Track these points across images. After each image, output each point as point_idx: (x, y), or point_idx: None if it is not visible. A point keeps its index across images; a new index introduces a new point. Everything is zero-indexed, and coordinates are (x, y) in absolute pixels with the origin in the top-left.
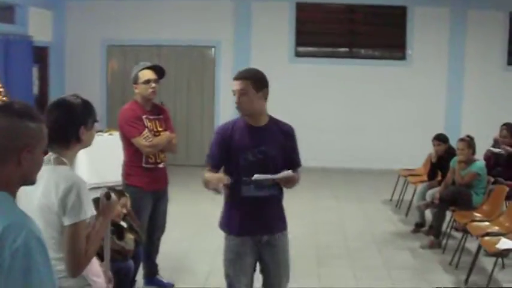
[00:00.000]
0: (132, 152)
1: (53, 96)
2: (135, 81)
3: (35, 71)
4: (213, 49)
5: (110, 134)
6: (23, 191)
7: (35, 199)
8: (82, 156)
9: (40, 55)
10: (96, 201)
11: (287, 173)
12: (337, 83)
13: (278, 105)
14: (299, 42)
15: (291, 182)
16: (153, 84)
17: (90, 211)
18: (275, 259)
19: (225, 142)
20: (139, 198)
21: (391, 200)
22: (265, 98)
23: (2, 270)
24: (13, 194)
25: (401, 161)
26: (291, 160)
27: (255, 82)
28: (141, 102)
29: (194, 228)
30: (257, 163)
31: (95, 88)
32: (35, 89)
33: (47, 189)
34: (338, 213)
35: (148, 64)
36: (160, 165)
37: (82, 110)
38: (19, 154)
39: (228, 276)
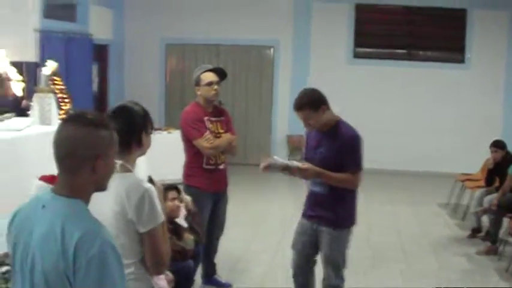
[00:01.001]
0: (193, 154)
1: (112, 94)
2: (197, 83)
3: (94, 69)
4: (271, 49)
5: (169, 133)
6: (94, 198)
7: (107, 207)
8: None
9: (100, 53)
10: None
11: (292, 162)
12: (395, 85)
13: (335, 106)
14: (358, 44)
15: (303, 175)
16: (215, 87)
17: (162, 213)
18: (322, 249)
19: (306, 141)
20: (199, 199)
21: (447, 204)
22: (328, 108)
23: (78, 277)
24: (87, 201)
25: (457, 165)
26: (345, 163)
27: (310, 107)
28: (202, 104)
29: (252, 229)
30: (315, 161)
31: (153, 86)
32: (95, 87)
33: (119, 198)
34: (394, 216)
35: (210, 66)
36: (221, 167)
37: (143, 116)
38: (94, 162)
39: None
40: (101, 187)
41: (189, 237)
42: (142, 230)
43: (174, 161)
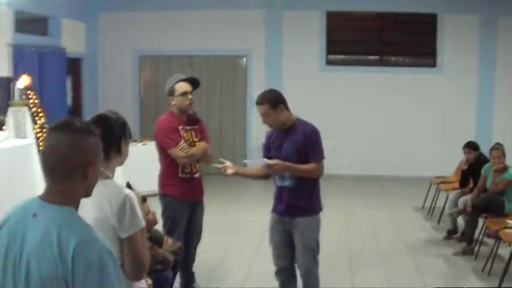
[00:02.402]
0: (169, 163)
1: (87, 107)
2: (171, 93)
3: (68, 82)
4: (244, 58)
5: (144, 144)
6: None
7: (88, 213)
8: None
9: (73, 66)
10: None
11: (266, 161)
12: (368, 91)
13: (310, 113)
14: (330, 51)
15: (273, 170)
16: (190, 96)
17: (142, 219)
18: (297, 238)
19: (268, 141)
20: (176, 208)
21: (423, 207)
22: (286, 108)
23: (77, 283)
24: (77, 208)
25: (432, 168)
26: (308, 153)
27: (270, 104)
28: (177, 113)
29: (229, 237)
30: (281, 158)
31: (127, 98)
32: (69, 100)
33: (100, 204)
34: (370, 221)
35: (184, 76)
36: (196, 175)
37: (122, 124)
38: (85, 169)
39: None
40: (89, 193)
41: (168, 241)
42: (123, 235)
43: (149, 173)
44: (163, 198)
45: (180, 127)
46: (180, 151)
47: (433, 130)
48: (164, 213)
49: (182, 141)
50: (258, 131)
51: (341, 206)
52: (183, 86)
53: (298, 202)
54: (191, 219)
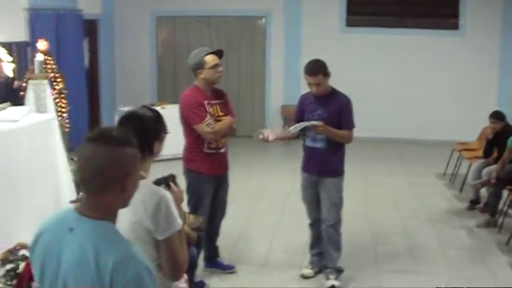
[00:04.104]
0: (194, 138)
1: (104, 69)
2: (201, 66)
3: (85, 44)
4: (263, 19)
5: (163, 108)
6: None
7: (124, 217)
8: None
9: (90, 28)
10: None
11: (312, 122)
12: (388, 53)
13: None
14: (350, 12)
15: (317, 130)
16: (220, 69)
17: (179, 219)
18: (323, 195)
19: (301, 106)
20: (201, 183)
21: (444, 174)
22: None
23: None
24: (114, 221)
25: (453, 133)
26: (342, 122)
27: (323, 73)
28: (202, 87)
29: (250, 204)
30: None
31: (145, 60)
32: (86, 62)
33: (135, 207)
34: (391, 188)
35: (209, 49)
36: (222, 150)
37: (155, 123)
38: (123, 180)
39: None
40: (126, 204)
41: (190, 218)
42: (159, 237)
43: (169, 137)
44: (188, 174)
45: (206, 102)
46: (206, 127)
47: (454, 94)
48: (189, 189)
49: (208, 116)
50: (277, 93)
51: (360, 172)
52: (213, 59)
53: (327, 163)
54: (216, 194)
